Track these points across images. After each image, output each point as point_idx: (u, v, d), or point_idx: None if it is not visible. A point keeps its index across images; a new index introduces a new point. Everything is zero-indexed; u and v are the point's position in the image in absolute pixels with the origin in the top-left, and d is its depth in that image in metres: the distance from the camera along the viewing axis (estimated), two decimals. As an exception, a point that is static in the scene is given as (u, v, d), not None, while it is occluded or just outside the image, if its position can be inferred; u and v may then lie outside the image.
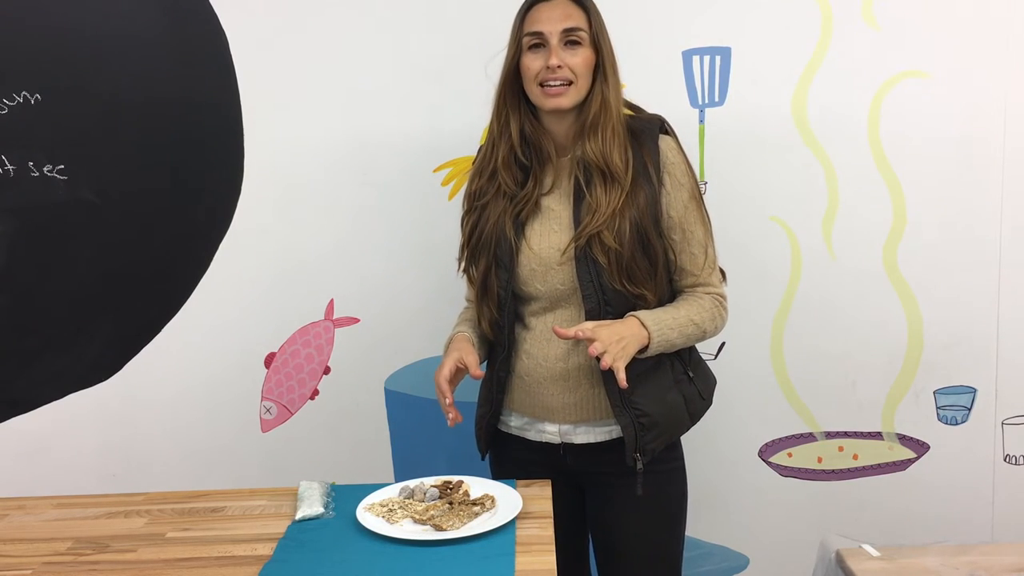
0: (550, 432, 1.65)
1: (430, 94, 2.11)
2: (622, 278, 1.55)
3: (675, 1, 2.09)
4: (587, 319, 1.55)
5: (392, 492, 1.55)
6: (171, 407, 2.21)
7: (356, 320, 2.20)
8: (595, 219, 1.54)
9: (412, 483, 1.56)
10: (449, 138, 2.12)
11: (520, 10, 1.59)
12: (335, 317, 2.20)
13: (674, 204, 1.59)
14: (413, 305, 2.18)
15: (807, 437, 2.25)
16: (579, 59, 1.55)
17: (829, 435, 2.24)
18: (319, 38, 2.10)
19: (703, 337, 1.63)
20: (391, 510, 1.47)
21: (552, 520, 1.45)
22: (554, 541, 1.38)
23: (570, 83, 1.55)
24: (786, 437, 2.25)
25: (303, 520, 1.50)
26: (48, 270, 2.13)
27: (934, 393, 2.22)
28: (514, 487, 1.55)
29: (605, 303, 1.56)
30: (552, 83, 1.54)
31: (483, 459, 1.77)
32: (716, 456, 2.21)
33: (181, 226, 2.14)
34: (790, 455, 2.25)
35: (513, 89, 1.60)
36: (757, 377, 2.21)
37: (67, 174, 2.10)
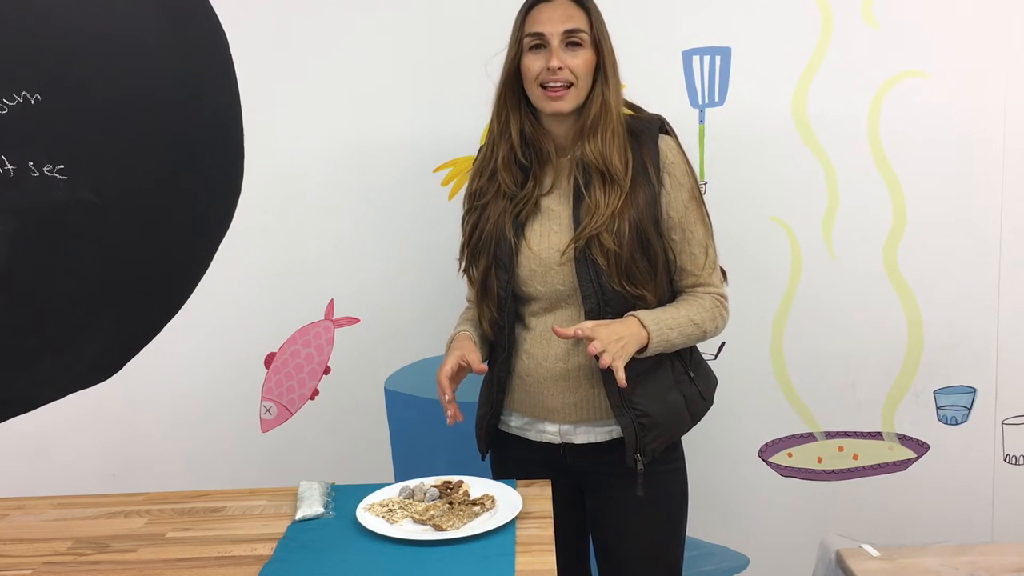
0: (550, 432, 1.65)
1: (430, 94, 2.11)
2: (621, 279, 1.55)
3: (675, 1, 2.09)
4: (587, 319, 1.55)
5: (392, 492, 1.55)
6: (171, 407, 2.21)
7: (356, 320, 2.20)
8: (594, 220, 1.54)
9: (412, 483, 1.56)
10: (449, 138, 2.12)
11: (521, 10, 1.59)
12: (335, 317, 2.20)
13: (674, 204, 1.59)
14: (413, 305, 2.18)
15: (807, 437, 2.25)
16: (580, 60, 1.55)
17: (829, 435, 2.24)
18: (319, 38, 2.10)
19: (703, 337, 1.63)
20: (391, 510, 1.47)
21: (552, 520, 1.45)
22: (554, 541, 1.38)
23: (570, 85, 1.55)
24: (786, 437, 2.25)
25: (303, 520, 1.50)
26: (48, 270, 2.13)
27: (934, 393, 2.22)
28: (514, 487, 1.55)
29: (605, 303, 1.56)
30: (552, 85, 1.54)
31: (483, 459, 1.77)
32: (716, 456, 2.21)
33: (181, 226, 2.14)
34: (790, 455, 2.25)
35: (513, 89, 1.60)
36: (757, 377, 2.21)
37: (67, 174, 2.10)
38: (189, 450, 2.22)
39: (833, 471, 2.25)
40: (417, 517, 1.44)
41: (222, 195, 2.14)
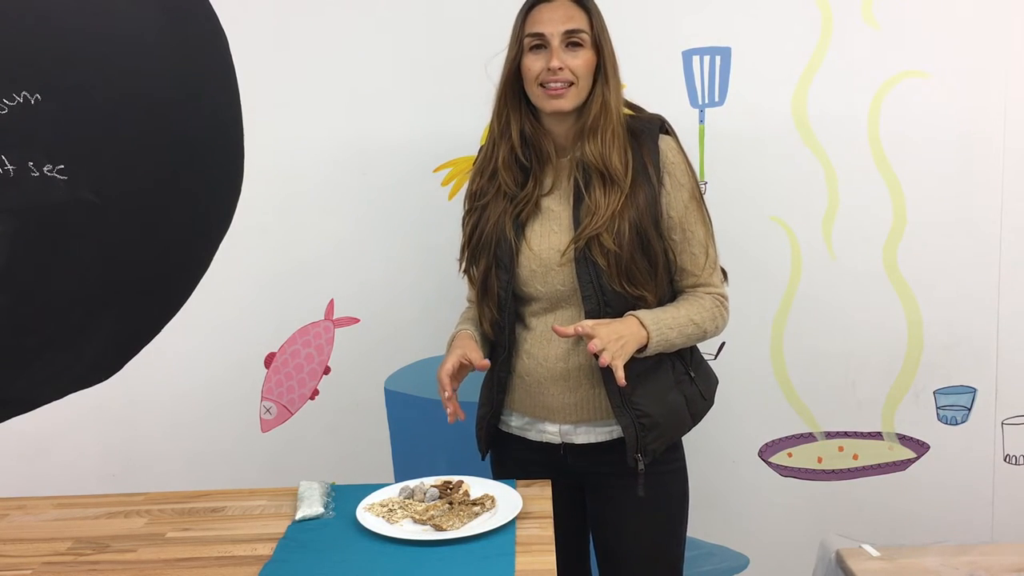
0: (550, 432, 1.65)
1: (430, 94, 2.11)
2: (621, 280, 1.55)
3: (675, 1, 2.09)
4: (587, 319, 1.55)
5: (392, 492, 1.55)
6: (171, 407, 2.21)
7: (356, 320, 2.20)
8: (594, 221, 1.54)
9: (412, 483, 1.56)
10: (449, 138, 2.12)
11: (521, 10, 1.59)
12: (335, 317, 2.20)
13: (674, 204, 1.59)
14: (413, 305, 2.18)
15: (807, 437, 2.25)
16: (580, 61, 1.55)
17: (829, 435, 2.24)
18: (319, 38, 2.10)
19: (703, 337, 1.63)
20: (391, 510, 1.47)
21: (552, 520, 1.45)
22: (554, 541, 1.38)
23: (571, 84, 1.55)
24: (786, 437, 2.25)
25: (303, 520, 1.50)
26: (48, 270, 2.13)
27: (934, 393, 2.22)
28: (514, 487, 1.55)
29: (605, 304, 1.56)
30: (553, 84, 1.54)
31: (483, 459, 1.77)
32: (716, 456, 2.21)
33: (181, 226, 2.14)
34: (790, 455, 2.25)
35: (514, 89, 1.60)
36: (757, 377, 2.21)
37: (67, 174, 2.10)
38: (189, 450, 2.22)
39: (833, 471, 2.25)
40: (417, 517, 1.44)
41: (222, 195, 2.14)
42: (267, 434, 2.23)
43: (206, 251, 2.15)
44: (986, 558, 1.44)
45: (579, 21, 1.55)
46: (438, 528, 1.40)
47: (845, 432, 2.24)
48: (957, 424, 2.23)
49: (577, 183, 1.58)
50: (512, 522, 1.42)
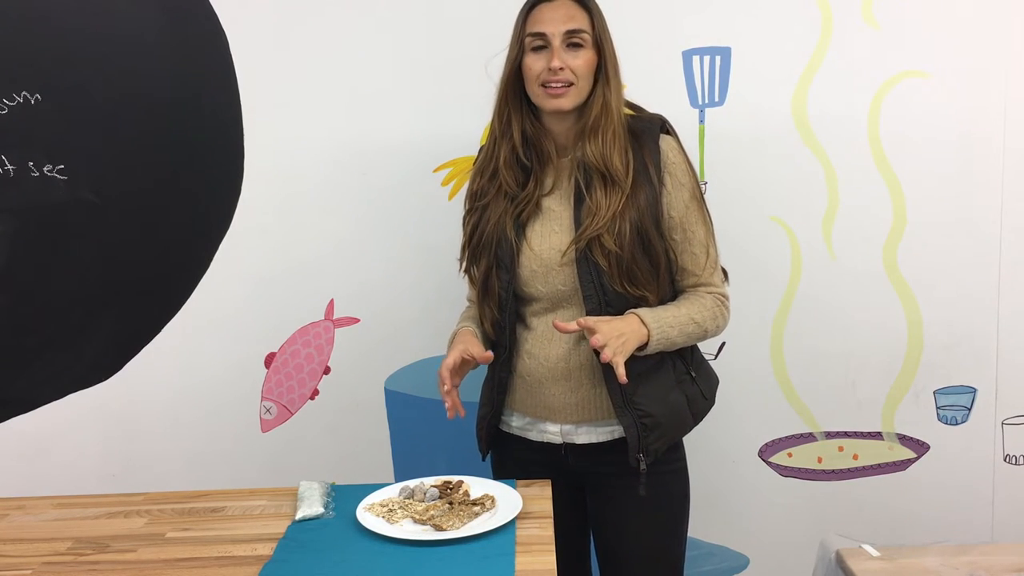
0: (552, 432, 1.65)
1: (430, 94, 2.11)
2: (623, 280, 1.54)
3: (675, 1, 2.09)
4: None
5: (392, 492, 1.55)
6: (171, 407, 2.21)
7: (356, 320, 2.20)
8: (595, 222, 1.54)
9: (412, 483, 1.56)
10: (449, 138, 2.12)
11: (522, 10, 1.59)
12: (335, 317, 2.20)
13: (675, 204, 1.59)
14: (413, 305, 2.18)
15: (807, 437, 2.25)
16: (581, 61, 1.55)
17: (829, 435, 2.24)
18: (319, 38, 2.10)
19: (704, 336, 1.63)
20: (391, 510, 1.47)
21: (552, 520, 1.45)
22: (554, 541, 1.38)
23: (571, 84, 1.55)
24: (786, 437, 2.25)
25: (303, 520, 1.50)
26: (48, 270, 2.13)
27: (934, 393, 2.22)
28: (514, 487, 1.55)
29: (606, 303, 1.56)
30: (553, 84, 1.54)
31: (484, 459, 1.76)
32: (716, 456, 2.21)
33: (181, 226, 2.14)
34: (790, 455, 2.25)
35: (515, 89, 1.59)
36: (757, 377, 2.21)
37: (67, 174, 2.10)
38: (189, 450, 2.22)
39: (833, 471, 2.25)
40: (417, 517, 1.44)
41: (222, 195, 2.14)
42: (267, 434, 2.23)
43: (206, 251, 2.15)
44: (986, 558, 1.44)
45: (580, 21, 1.55)
46: (438, 528, 1.40)
47: (845, 432, 2.24)
48: (957, 424, 2.23)
49: (578, 183, 1.58)
50: (512, 522, 1.42)
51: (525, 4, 1.59)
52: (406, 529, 1.41)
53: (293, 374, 2.21)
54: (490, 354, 1.58)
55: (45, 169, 2.09)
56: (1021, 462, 2.25)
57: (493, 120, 1.64)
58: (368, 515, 1.46)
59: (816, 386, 2.22)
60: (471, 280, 1.69)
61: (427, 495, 1.51)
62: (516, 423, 1.69)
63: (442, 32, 2.09)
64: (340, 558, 1.36)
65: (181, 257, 2.16)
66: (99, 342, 2.17)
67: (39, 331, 2.16)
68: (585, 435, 1.63)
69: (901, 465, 2.25)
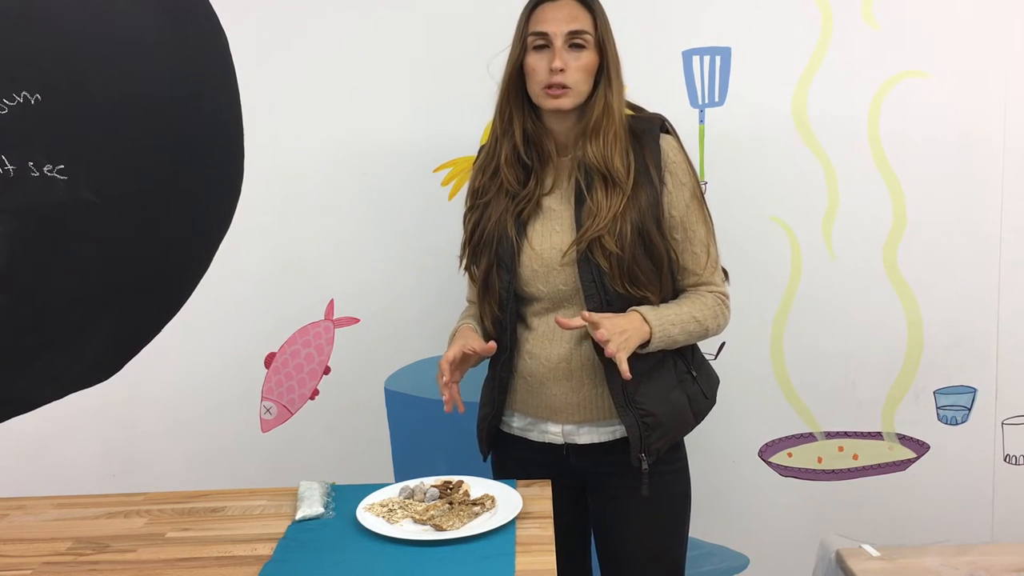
0: (553, 432, 1.65)
1: (430, 94, 2.11)
2: (624, 281, 1.54)
3: (675, 1, 2.09)
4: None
5: (392, 492, 1.55)
6: (171, 407, 2.21)
7: (356, 320, 2.20)
8: (596, 223, 1.54)
9: (412, 483, 1.56)
10: (449, 138, 2.12)
11: (526, 8, 1.59)
12: (335, 317, 2.20)
13: (676, 203, 1.59)
14: (413, 305, 2.18)
15: (807, 437, 2.25)
16: (582, 62, 1.55)
17: (829, 435, 2.24)
18: (319, 38, 2.10)
19: (705, 335, 1.63)
20: (391, 510, 1.47)
21: (552, 520, 1.45)
22: (554, 541, 1.38)
23: (571, 86, 1.54)
24: (786, 437, 2.25)
25: (303, 520, 1.50)
26: (48, 270, 2.13)
27: (934, 393, 2.22)
28: (514, 487, 1.55)
29: (608, 303, 1.56)
30: (554, 85, 1.54)
31: (485, 460, 1.76)
32: (716, 456, 2.21)
33: (181, 226, 2.14)
34: (790, 455, 2.25)
35: (516, 87, 1.59)
36: (757, 377, 2.21)
37: (67, 174, 2.10)
38: (189, 450, 2.22)
39: (833, 471, 2.25)
40: (417, 517, 1.44)
41: (222, 195, 2.14)
42: (267, 434, 2.23)
43: (206, 251, 2.15)
44: (986, 558, 1.44)
45: (583, 22, 1.55)
46: (438, 528, 1.40)
47: (845, 432, 2.24)
48: (957, 424, 2.23)
49: (578, 183, 1.58)
50: (512, 522, 1.42)
51: (528, 3, 1.59)
52: (406, 529, 1.41)
53: (293, 374, 2.21)
54: (493, 344, 1.58)
55: (45, 169, 2.09)
56: (1021, 462, 2.25)
57: (495, 118, 1.64)
58: (368, 515, 1.46)
59: (816, 386, 2.22)
60: (471, 278, 1.69)
61: (427, 495, 1.51)
62: (517, 424, 1.69)
63: (442, 32, 2.09)
64: (340, 558, 1.36)
65: (181, 257, 2.16)
66: (99, 342, 2.17)
67: (39, 331, 2.16)
68: (587, 435, 1.63)
69: (901, 465, 2.25)
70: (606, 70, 1.57)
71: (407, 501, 1.50)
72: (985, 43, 2.09)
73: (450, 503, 1.48)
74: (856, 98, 2.11)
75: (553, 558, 1.32)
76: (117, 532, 1.50)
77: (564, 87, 1.54)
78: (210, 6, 2.07)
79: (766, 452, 2.25)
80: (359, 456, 2.22)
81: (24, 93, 2.06)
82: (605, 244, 1.53)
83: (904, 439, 2.24)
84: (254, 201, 2.14)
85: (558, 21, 1.54)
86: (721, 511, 2.25)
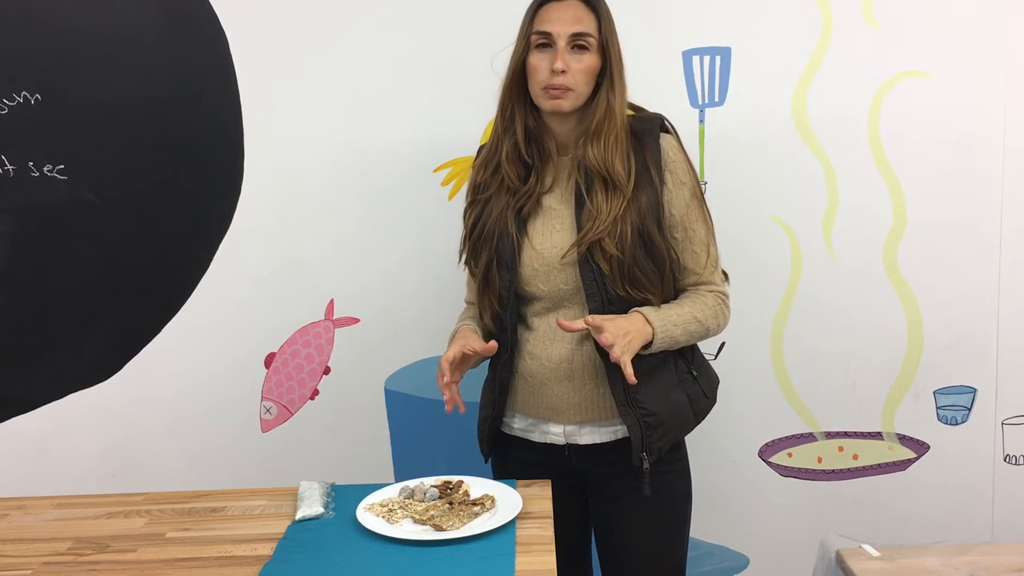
0: (554, 433, 1.65)
1: (430, 94, 2.11)
2: (625, 284, 1.54)
3: (675, 1, 2.09)
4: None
5: (392, 492, 1.55)
6: (171, 407, 2.21)
7: (356, 320, 2.20)
8: (596, 226, 1.54)
9: (412, 483, 1.56)
10: (449, 138, 2.12)
11: (531, 6, 1.58)
12: (335, 317, 2.20)
13: (676, 203, 1.59)
14: (413, 305, 2.18)
15: (807, 437, 2.25)
16: (584, 65, 1.54)
17: (829, 435, 2.24)
18: (319, 38, 2.10)
19: (706, 335, 1.63)
20: (391, 510, 1.47)
21: (552, 520, 1.45)
22: (554, 541, 1.38)
23: (571, 88, 1.54)
24: (786, 437, 2.25)
25: (303, 520, 1.50)
26: (48, 270, 2.13)
27: (934, 393, 2.22)
28: (514, 487, 1.55)
29: (609, 303, 1.56)
30: (554, 85, 1.54)
31: (486, 462, 1.76)
32: (716, 456, 2.21)
33: (181, 226, 2.14)
34: (790, 455, 2.25)
35: (519, 85, 1.59)
36: (757, 377, 2.21)
37: (67, 174, 2.10)
38: (189, 450, 2.22)
39: (833, 471, 2.25)
40: (417, 517, 1.44)
41: (222, 195, 2.14)
42: (267, 434, 2.23)
43: (206, 251, 2.15)
44: (986, 558, 1.44)
45: (587, 24, 1.55)
46: (438, 528, 1.40)
47: (845, 432, 2.24)
48: (957, 424, 2.23)
49: (578, 184, 1.58)
50: (512, 522, 1.42)
51: (534, 1, 1.59)
52: (406, 529, 1.41)
53: (293, 374, 2.21)
54: (493, 344, 1.57)
55: (45, 169, 2.09)
56: (1021, 462, 2.25)
57: (497, 115, 1.64)
58: (368, 515, 1.46)
59: (816, 386, 2.22)
60: (471, 273, 1.68)
61: (427, 495, 1.51)
62: (518, 424, 1.69)
63: (442, 32, 2.09)
64: (340, 558, 1.36)
65: (181, 257, 2.16)
66: (99, 342, 2.17)
67: (39, 331, 2.16)
68: (588, 435, 1.63)
69: (901, 465, 2.25)
70: (609, 73, 1.57)
71: (407, 501, 1.50)
72: (985, 43, 2.09)
73: (450, 503, 1.48)
74: (856, 98, 2.11)
75: (553, 558, 1.32)
76: (117, 532, 1.50)
77: (565, 88, 1.54)
78: (210, 6, 2.07)
79: (766, 452, 2.25)
80: (359, 456, 2.22)
81: (24, 93, 2.06)
82: (605, 247, 1.53)
83: (904, 439, 2.24)
84: (254, 201, 2.14)
85: (562, 22, 1.54)
86: (721, 511, 2.25)
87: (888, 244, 2.16)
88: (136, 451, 2.22)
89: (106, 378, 2.19)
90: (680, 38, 2.09)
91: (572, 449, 1.64)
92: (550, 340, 1.61)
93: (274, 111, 2.11)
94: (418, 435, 2.23)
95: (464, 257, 1.69)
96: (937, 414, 2.23)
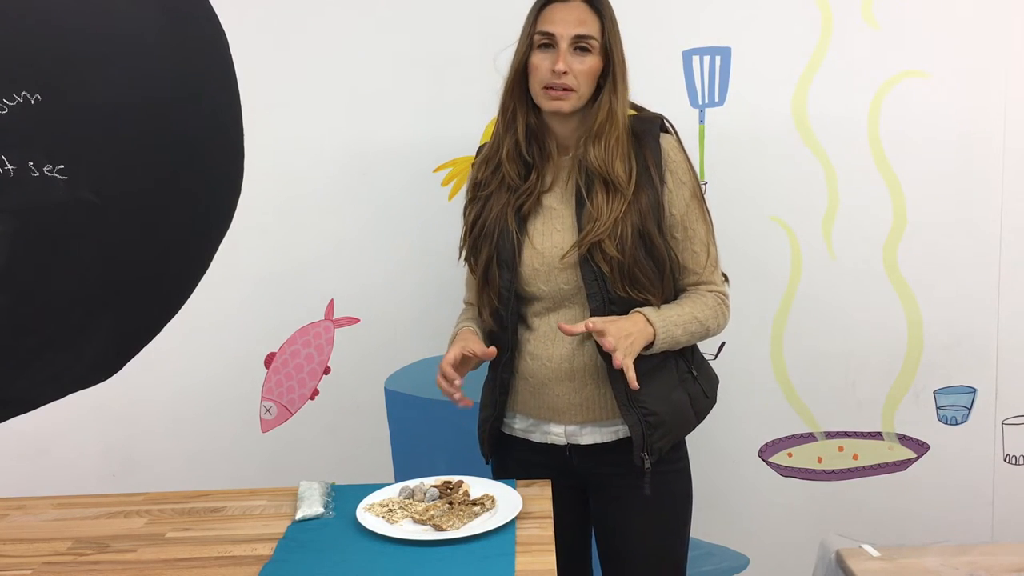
0: (556, 434, 1.64)
1: (430, 94, 2.11)
2: (625, 285, 1.54)
3: (675, 1, 2.09)
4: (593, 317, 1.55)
5: (392, 492, 1.55)
6: (171, 407, 2.21)
7: (356, 320, 2.20)
8: (596, 227, 1.54)
9: (412, 483, 1.56)
10: (449, 139, 2.12)
11: (535, 6, 1.58)
12: (335, 317, 2.20)
13: (676, 202, 1.59)
14: (413, 305, 2.18)
15: (807, 437, 2.24)
16: (586, 66, 1.54)
17: (829, 435, 2.24)
18: (319, 38, 2.10)
19: (706, 335, 1.63)
20: (391, 510, 1.47)
21: (552, 520, 1.45)
22: (554, 541, 1.38)
23: (572, 89, 1.54)
24: (786, 437, 2.25)
25: (303, 520, 1.50)
26: (48, 270, 2.13)
27: (934, 393, 2.22)
28: (514, 487, 1.55)
29: (610, 302, 1.56)
30: (554, 86, 1.54)
31: (487, 464, 1.76)
32: (716, 456, 2.21)
33: (181, 226, 2.14)
34: (790, 455, 2.25)
35: (521, 84, 1.59)
36: (757, 377, 2.21)
37: (67, 174, 2.10)
38: (189, 450, 2.22)
39: (833, 471, 2.25)
40: (417, 517, 1.44)
41: (222, 195, 2.14)
42: (267, 434, 2.23)
43: (206, 251, 2.15)
44: (986, 558, 1.44)
45: (591, 27, 1.55)
46: (438, 528, 1.40)
47: (845, 432, 2.24)
48: (957, 424, 2.23)
49: (579, 184, 1.58)
50: (512, 522, 1.42)
51: (538, 1, 1.58)
52: (406, 529, 1.41)
53: (293, 374, 2.21)
54: (493, 349, 1.58)
55: (45, 169, 2.09)
56: (1021, 462, 2.25)
57: (499, 113, 1.64)
58: (368, 515, 1.46)
59: (816, 386, 2.22)
60: (471, 269, 1.68)
61: (427, 495, 1.51)
62: (519, 425, 1.69)
63: (442, 32, 2.09)
64: (340, 558, 1.36)
65: (181, 257, 2.16)
66: (99, 342, 2.17)
67: (39, 331, 2.16)
68: (590, 435, 1.63)
69: (901, 465, 2.25)
70: (612, 75, 1.57)
71: (407, 501, 1.50)
72: (985, 43, 2.09)
73: (450, 503, 1.48)
74: (856, 98, 2.11)
75: (553, 558, 1.32)
76: (117, 532, 1.50)
77: (566, 89, 1.54)
78: (210, 6, 2.07)
79: (766, 452, 2.25)
80: (359, 456, 2.22)
81: (24, 93, 2.06)
82: (605, 249, 1.53)
83: (904, 439, 2.24)
84: (254, 201, 2.14)
85: (566, 23, 1.54)
86: (721, 511, 2.25)
87: (888, 244, 2.16)
88: (136, 451, 2.22)
89: (106, 378, 2.19)
90: (680, 38, 2.09)
91: (573, 449, 1.64)
92: (551, 340, 1.61)
93: (274, 111, 2.11)
94: (418, 435, 2.23)
95: (464, 254, 1.69)
96: (937, 414, 2.23)
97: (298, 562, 1.35)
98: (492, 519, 1.42)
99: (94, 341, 2.17)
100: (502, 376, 1.66)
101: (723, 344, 2.18)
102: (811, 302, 2.18)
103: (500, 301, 1.61)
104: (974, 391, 2.22)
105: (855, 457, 2.25)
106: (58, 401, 2.19)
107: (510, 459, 1.72)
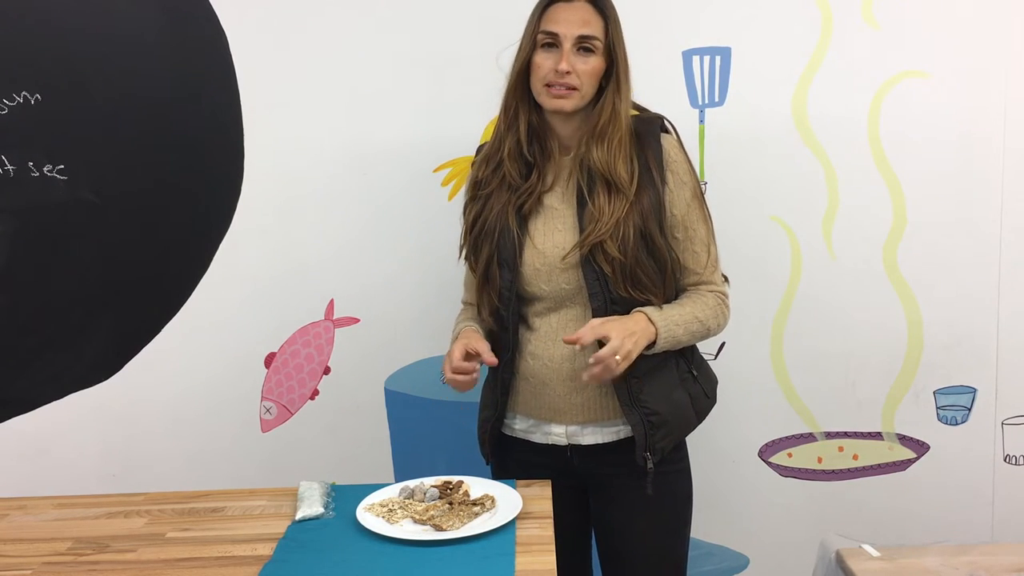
0: (557, 434, 1.64)
1: (430, 94, 2.11)
2: (627, 285, 1.54)
3: (675, 1, 2.09)
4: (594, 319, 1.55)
5: (392, 492, 1.55)
6: (171, 407, 2.21)
7: (356, 320, 2.20)
8: (597, 228, 1.54)
9: (412, 483, 1.56)
10: (449, 139, 2.12)
11: (538, 5, 1.58)
12: (335, 317, 2.20)
13: (677, 202, 1.59)
14: (413, 305, 2.18)
15: (807, 437, 2.24)
16: (589, 67, 1.54)
17: (829, 435, 2.24)
18: (319, 38, 2.10)
19: (707, 335, 1.63)
20: (391, 510, 1.47)
21: (552, 520, 1.45)
22: (554, 541, 1.38)
23: (575, 88, 1.54)
24: (786, 437, 2.25)
25: (303, 520, 1.50)
26: (48, 270, 2.13)
27: (934, 393, 2.22)
28: (514, 487, 1.55)
29: (611, 302, 1.56)
30: (557, 86, 1.54)
31: (488, 464, 1.76)
32: (716, 456, 2.21)
33: (181, 226, 2.14)
34: (790, 455, 2.25)
35: (523, 83, 1.59)
36: (757, 377, 2.21)
37: (67, 174, 2.10)
38: (189, 450, 2.22)
39: (833, 471, 2.25)
40: (417, 517, 1.44)
41: (222, 195, 2.14)
42: (267, 434, 2.23)
43: (206, 251, 2.15)
44: (986, 558, 1.44)
45: (594, 27, 1.55)
46: (438, 528, 1.40)
47: (845, 432, 2.24)
48: (957, 424, 2.23)
49: (580, 184, 1.58)
50: (512, 522, 1.42)
51: (542, 0, 1.58)
52: (406, 529, 1.41)
53: (293, 374, 2.21)
54: (495, 360, 1.58)
55: (45, 169, 2.09)
56: (1021, 462, 2.25)
57: (500, 112, 1.64)
58: (368, 515, 1.46)
59: (816, 386, 2.22)
60: (471, 268, 1.68)
61: (427, 495, 1.51)
62: (519, 426, 1.69)
63: (442, 32, 2.09)
64: (340, 558, 1.36)
65: (181, 257, 2.16)
66: (99, 342, 2.17)
67: (39, 331, 2.16)
68: (591, 436, 1.63)
69: (901, 465, 2.25)
70: (615, 76, 1.57)
71: (407, 501, 1.50)
72: (985, 43, 2.09)
73: (450, 503, 1.48)
74: (856, 98, 2.11)
75: (553, 558, 1.32)
76: (117, 532, 1.50)
77: (569, 88, 1.54)
78: (210, 6, 2.07)
79: (766, 452, 2.25)
80: (359, 456, 2.22)
81: (24, 93, 2.06)
82: (607, 249, 1.53)
83: (904, 439, 2.24)
84: (254, 201, 2.14)
85: (569, 23, 1.54)
86: (721, 511, 2.25)
87: (888, 244, 2.16)
88: (136, 451, 2.22)
89: (106, 378, 2.19)
90: (680, 38, 2.09)
91: (574, 450, 1.64)
92: (552, 340, 1.61)
93: (274, 111, 2.11)
94: (418, 435, 2.23)
95: (464, 252, 1.69)
96: (937, 414, 2.23)
97: (298, 562, 1.35)
98: (492, 519, 1.42)
99: (94, 341, 2.17)
100: (503, 376, 1.65)
101: (723, 344, 2.18)
102: (811, 302, 2.18)
103: (501, 301, 1.61)
104: (974, 391, 2.22)
105: (855, 457, 2.25)
106: (58, 401, 2.19)
107: (510, 460, 1.72)
